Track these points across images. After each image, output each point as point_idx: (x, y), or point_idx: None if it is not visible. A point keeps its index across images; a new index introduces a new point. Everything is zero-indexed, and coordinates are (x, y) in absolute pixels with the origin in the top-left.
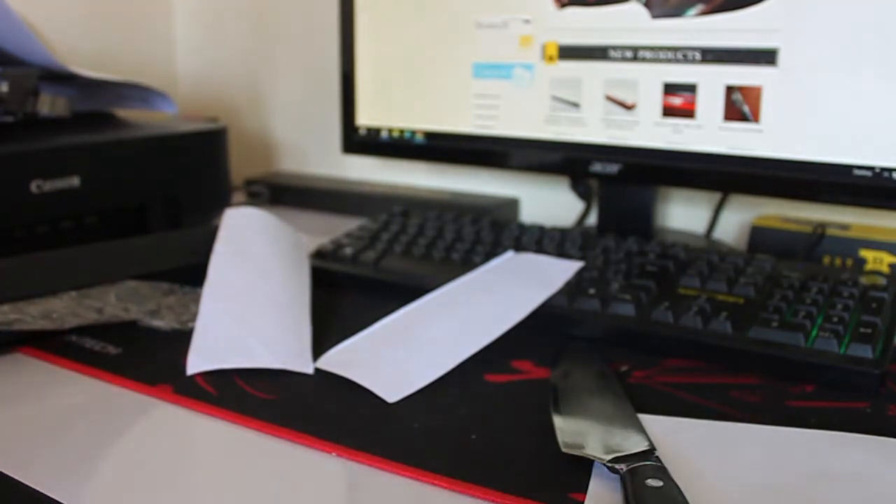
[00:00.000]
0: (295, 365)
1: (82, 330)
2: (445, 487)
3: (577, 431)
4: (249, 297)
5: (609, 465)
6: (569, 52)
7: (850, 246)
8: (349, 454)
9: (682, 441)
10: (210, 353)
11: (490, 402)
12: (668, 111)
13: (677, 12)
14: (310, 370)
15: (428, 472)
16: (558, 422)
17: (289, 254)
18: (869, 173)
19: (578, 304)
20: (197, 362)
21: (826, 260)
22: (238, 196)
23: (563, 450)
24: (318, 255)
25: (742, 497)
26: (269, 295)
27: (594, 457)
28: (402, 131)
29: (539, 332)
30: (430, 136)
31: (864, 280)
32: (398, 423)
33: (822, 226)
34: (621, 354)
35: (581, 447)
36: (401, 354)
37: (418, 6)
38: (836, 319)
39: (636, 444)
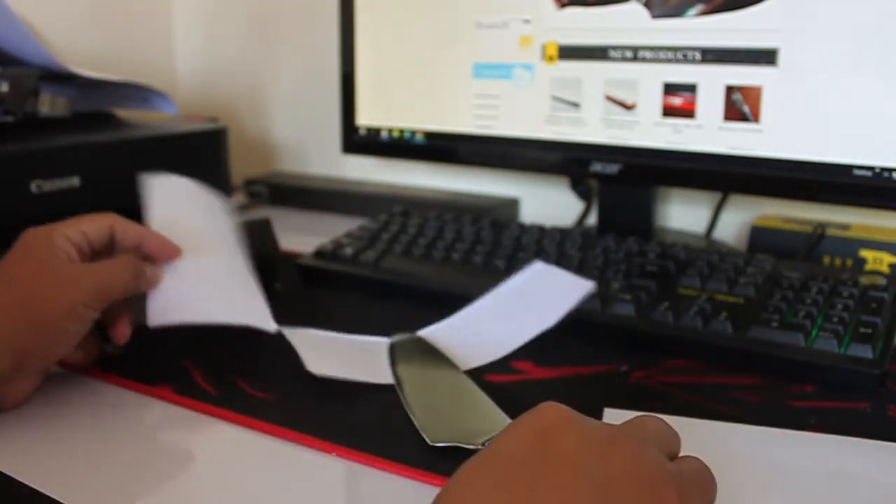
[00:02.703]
0: (258, 322)
1: None
2: None
3: (439, 422)
4: (197, 261)
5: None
6: (569, 52)
7: (850, 246)
8: (349, 454)
9: (681, 441)
10: (170, 307)
11: None
12: (668, 111)
13: (677, 12)
14: (272, 328)
15: (428, 472)
16: (416, 417)
17: (217, 219)
18: (869, 173)
19: (578, 303)
20: (158, 315)
21: (826, 260)
22: (238, 196)
23: (431, 443)
24: (318, 255)
25: (742, 497)
26: (215, 260)
27: (467, 444)
28: (402, 131)
29: None
30: (430, 136)
31: (864, 280)
32: (398, 423)
33: (822, 226)
34: (621, 354)
35: (448, 437)
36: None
37: (418, 6)
38: (836, 319)
39: (500, 422)
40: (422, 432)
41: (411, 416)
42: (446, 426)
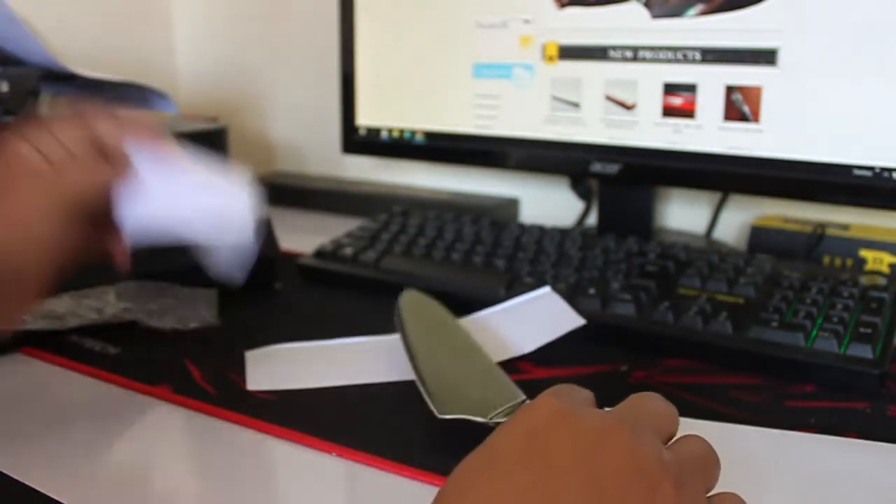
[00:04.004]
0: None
1: (82, 330)
2: None
3: (448, 393)
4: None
5: (492, 422)
6: (569, 52)
7: (850, 246)
8: (349, 454)
9: None
10: (150, 215)
11: None
12: (668, 111)
13: (677, 12)
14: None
15: (428, 472)
16: (426, 386)
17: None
18: (869, 173)
19: (578, 304)
20: (136, 224)
21: (826, 260)
22: None
23: (439, 415)
24: (318, 255)
25: (741, 497)
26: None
27: (476, 417)
28: (402, 131)
29: None
30: (430, 136)
31: (864, 280)
32: (398, 423)
33: (822, 226)
34: (621, 354)
35: (457, 410)
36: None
37: (418, 6)
38: (836, 319)
39: (512, 396)
40: (430, 404)
41: (419, 386)
42: (456, 398)
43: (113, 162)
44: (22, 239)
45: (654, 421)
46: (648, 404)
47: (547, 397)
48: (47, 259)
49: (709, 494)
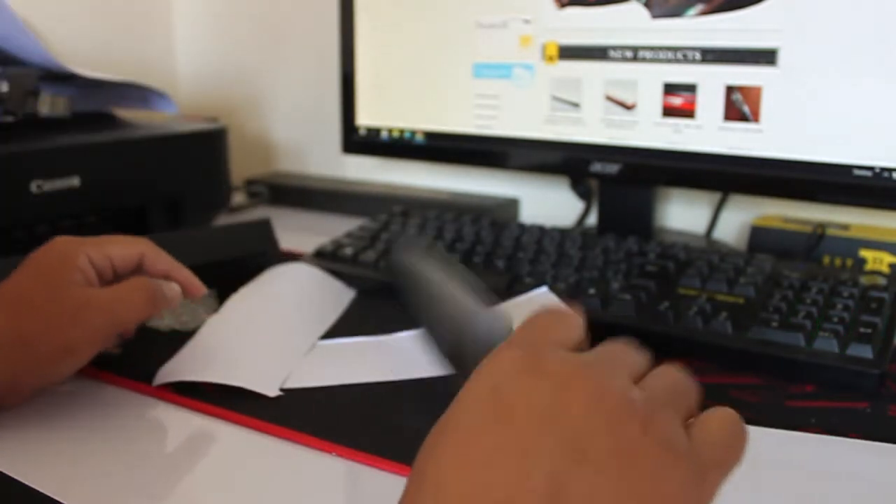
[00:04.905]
0: (256, 386)
1: None
2: None
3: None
4: (227, 324)
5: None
6: (569, 52)
7: (850, 246)
8: (349, 454)
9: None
10: (179, 369)
11: None
12: (668, 111)
13: (677, 12)
14: (271, 393)
15: None
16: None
17: (312, 299)
18: (869, 173)
19: (578, 304)
20: (162, 376)
21: (826, 260)
22: (238, 196)
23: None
24: (318, 255)
25: (741, 497)
26: (265, 326)
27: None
28: (402, 131)
29: None
30: (430, 136)
31: (864, 280)
32: (398, 423)
33: (822, 226)
34: None
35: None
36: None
37: (418, 6)
38: (836, 319)
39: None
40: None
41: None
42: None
43: (157, 297)
44: (67, 360)
45: (622, 362)
46: (618, 349)
47: (509, 348)
48: (78, 365)
49: (693, 419)
